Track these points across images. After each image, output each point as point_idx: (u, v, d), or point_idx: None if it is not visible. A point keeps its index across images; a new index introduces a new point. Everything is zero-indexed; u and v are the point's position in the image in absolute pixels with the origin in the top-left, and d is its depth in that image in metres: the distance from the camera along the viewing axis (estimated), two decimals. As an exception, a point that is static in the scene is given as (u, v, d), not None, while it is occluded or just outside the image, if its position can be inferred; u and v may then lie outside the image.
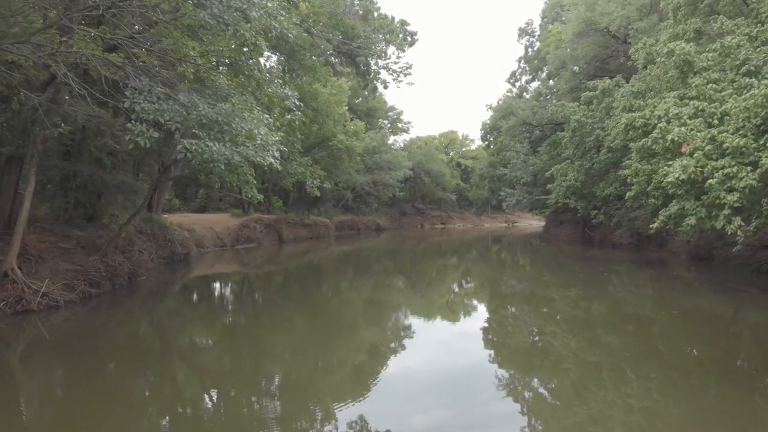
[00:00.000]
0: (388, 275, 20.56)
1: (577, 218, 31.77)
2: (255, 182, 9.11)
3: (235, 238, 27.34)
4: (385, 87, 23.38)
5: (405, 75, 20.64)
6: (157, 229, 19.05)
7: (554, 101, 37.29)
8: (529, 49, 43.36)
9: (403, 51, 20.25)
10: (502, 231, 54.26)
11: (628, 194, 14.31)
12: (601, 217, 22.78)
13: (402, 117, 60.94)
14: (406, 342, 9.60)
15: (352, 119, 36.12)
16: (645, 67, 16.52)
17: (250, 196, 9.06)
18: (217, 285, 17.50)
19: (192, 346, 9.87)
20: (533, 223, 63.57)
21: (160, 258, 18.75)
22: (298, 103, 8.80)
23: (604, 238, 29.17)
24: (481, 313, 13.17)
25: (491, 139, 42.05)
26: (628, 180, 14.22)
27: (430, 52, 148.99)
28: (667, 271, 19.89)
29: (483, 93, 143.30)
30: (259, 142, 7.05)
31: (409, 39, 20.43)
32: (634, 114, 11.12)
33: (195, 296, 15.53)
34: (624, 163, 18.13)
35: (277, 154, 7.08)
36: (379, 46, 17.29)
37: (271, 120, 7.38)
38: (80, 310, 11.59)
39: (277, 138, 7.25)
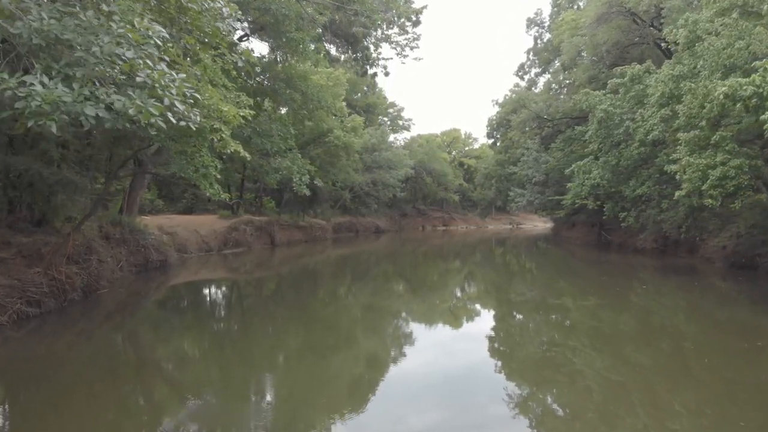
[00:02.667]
0: (388, 280, 19.04)
1: (593, 220, 29.56)
2: (217, 175, 6.92)
3: (223, 242, 25.17)
4: (386, 74, 21.10)
5: (411, 48, 18.38)
6: (128, 233, 16.76)
7: (564, 94, 35.13)
8: (539, 41, 41.03)
9: (407, 27, 17.95)
10: (506, 233, 52.32)
11: (678, 193, 12.09)
12: (631, 219, 20.49)
13: (402, 114, 58.55)
14: (406, 350, 8.99)
15: (350, 114, 33.94)
16: (688, 47, 14.30)
17: (210, 193, 6.90)
18: (199, 294, 15.43)
19: (164, 367, 8.40)
20: (538, 224, 61.53)
21: (131, 266, 16.59)
22: (242, 20, 6.42)
23: (624, 242, 27.00)
24: (487, 322, 12.08)
25: (498, 136, 39.77)
26: (677, 176, 11.96)
27: (430, 48, 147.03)
28: (699, 279, 17.93)
29: (485, 90, 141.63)
30: (141, 80, 3.70)
31: (414, 18, 18.29)
32: (740, 80, 8.78)
33: (169, 309, 13.39)
34: (658, 158, 15.96)
35: (190, 113, 4.18)
36: (379, 15, 15.11)
37: (165, 35, 4.42)
38: (13, 334, 9.59)
39: (183, 77, 4.19)
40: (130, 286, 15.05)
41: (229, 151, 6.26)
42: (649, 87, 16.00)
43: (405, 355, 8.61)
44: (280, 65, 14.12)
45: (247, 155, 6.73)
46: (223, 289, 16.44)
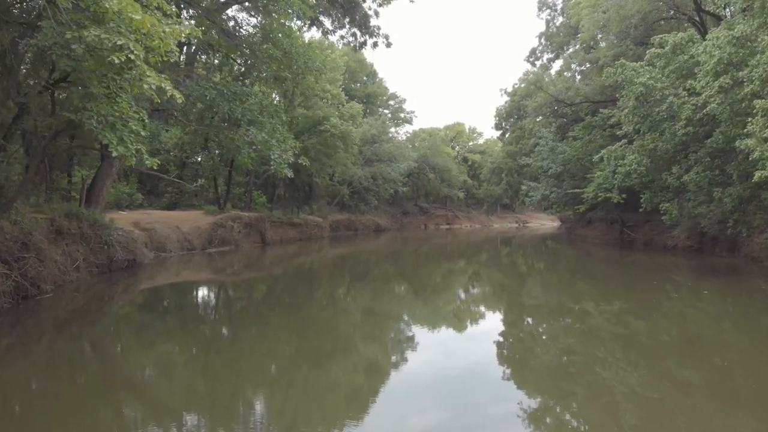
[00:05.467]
0: (389, 281, 17.61)
1: (613, 216, 27.14)
2: (141, 131, 4.59)
3: (207, 240, 22.89)
4: (388, 45, 18.70)
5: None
6: (88, 229, 14.40)
7: (578, 81, 32.76)
8: (551, 24, 38.75)
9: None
10: (513, 232, 50.13)
11: (758, 174, 9.71)
12: (674, 211, 18.02)
13: (404, 106, 55.90)
14: (408, 356, 8.32)
15: (348, 102, 31.61)
16: (747, 6, 11.99)
17: (119, 153, 4.58)
18: (176, 299, 13.36)
19: (133, 386, 7.04)
20: (546, 223, 59.17)
21: (91, 266, 14.29)
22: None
23: (650, 240, 24.62)
24: (496, 327, 11.01)
25: (507, 126, 37.38)
26: (756, 153, 9.59)
27: (430, 43, 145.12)
28: (742, 281, 15.86)
29: (487, 86, 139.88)
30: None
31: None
32: None
33: (140, 316, 11.26)
34: (711, 139, 13.60)
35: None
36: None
37: None
38: None
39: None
40: (88, 290, 13.05)
41: (147, 86, 3.99)
42: (698, 56, 13.61)
43: (407, 362, 7.90)
44: (258, 22, 11.89)
45: (177, 95, 4.46)
46: (206, 292, 14.68)
